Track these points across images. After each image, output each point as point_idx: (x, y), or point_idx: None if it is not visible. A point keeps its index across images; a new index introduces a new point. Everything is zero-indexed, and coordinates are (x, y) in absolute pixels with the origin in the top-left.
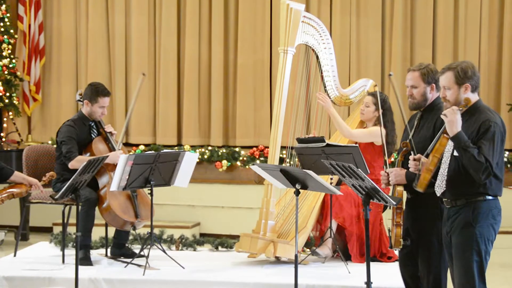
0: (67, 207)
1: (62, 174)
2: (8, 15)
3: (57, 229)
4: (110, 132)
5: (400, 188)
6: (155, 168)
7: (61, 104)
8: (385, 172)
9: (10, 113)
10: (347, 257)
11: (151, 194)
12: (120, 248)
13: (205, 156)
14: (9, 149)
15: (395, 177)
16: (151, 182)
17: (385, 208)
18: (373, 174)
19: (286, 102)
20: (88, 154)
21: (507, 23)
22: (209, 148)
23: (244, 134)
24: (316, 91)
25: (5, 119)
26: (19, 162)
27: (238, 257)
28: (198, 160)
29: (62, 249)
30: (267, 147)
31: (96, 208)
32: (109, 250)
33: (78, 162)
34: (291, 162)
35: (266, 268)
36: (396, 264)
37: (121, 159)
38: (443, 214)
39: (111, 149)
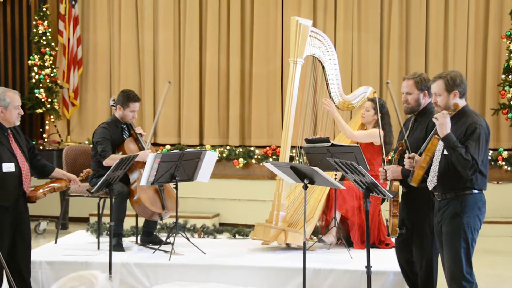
0: (102, 199)
1: (98, 171)
2: (49, 30)
3: (93, 219)
4: (140, 134)
5: (396, 183)
6: (179, 165)
7: (96, 108)
8: (383, 169)
9: (52, 116)
10: (349, 244)
11: (176, 188)
12: (149, 236)
13: (224, 155)
14: (50, 148)
15: (392, 173)
16: (176, 178)
17: (383, 200)
18: (373, 171)
19: (295, 107)
20: (120, 153)
21: (491, 36)
22: (228, 147)
23: (258, 135)
24: (322, 97)
25: (47, 122)
26: (60, 160)
27: (253, 244)
28: (217, 158)
29: (98, 237)
30: (279, 147)
31: (128, 201)
32: (139, 237)
33: (112, 160)
34: (300, 160)
35: (278, 253)
36: (393, 250)
37: (150, 157)
38: (434, 206)
39: (141, 148)
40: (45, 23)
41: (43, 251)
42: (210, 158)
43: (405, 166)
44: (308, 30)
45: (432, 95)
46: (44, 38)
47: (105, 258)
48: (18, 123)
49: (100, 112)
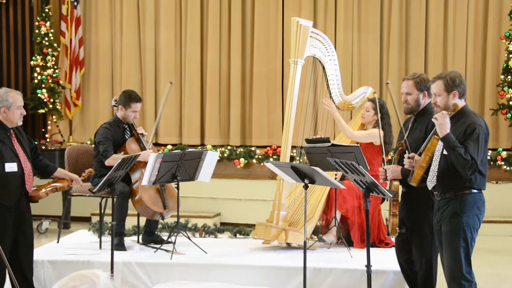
0: (104, 199)
1: (100, 171)
2: (52, 31)
3: (95, 219)
4: (142, 134)
5: (396, 183)
6: (181, 165)
7: (98, 109)
8: (383, 168)
9: (54, 116)
10: (349, 243)
11: (178, 188)
12: (150, 235)
13: (225, 155)
14: (53, 148)
15: (391, 173)
16: (178, 177)
17: (383, 200)
18: (373, 171)
19: (296, 107)
20: (122, 153)
21: (490, 37)
22: (228, 147)
23: (259, 135)
24: (323, 98)
25: (49, 122)
26: (62, 160)
27: (254, 243)
28: (218, 158)
29: (99, 236)
30: (280, 147)
31: (129, 200)
32: (140, 237)
33: (114, 160)
34: (301, 160)
35: (278, 253)
36: (393, 249)
37: (151, 157)
38: (434, 205)
39: (143, 148)
40: (47, 24)
41: (45, 251)
42: (211, 158)
43: (404, 166)
44: (309, 31)
45: (431, 96)
46: (46, 38)
47: (106, 257)
48: (20, 123)
49: (102, 112)
